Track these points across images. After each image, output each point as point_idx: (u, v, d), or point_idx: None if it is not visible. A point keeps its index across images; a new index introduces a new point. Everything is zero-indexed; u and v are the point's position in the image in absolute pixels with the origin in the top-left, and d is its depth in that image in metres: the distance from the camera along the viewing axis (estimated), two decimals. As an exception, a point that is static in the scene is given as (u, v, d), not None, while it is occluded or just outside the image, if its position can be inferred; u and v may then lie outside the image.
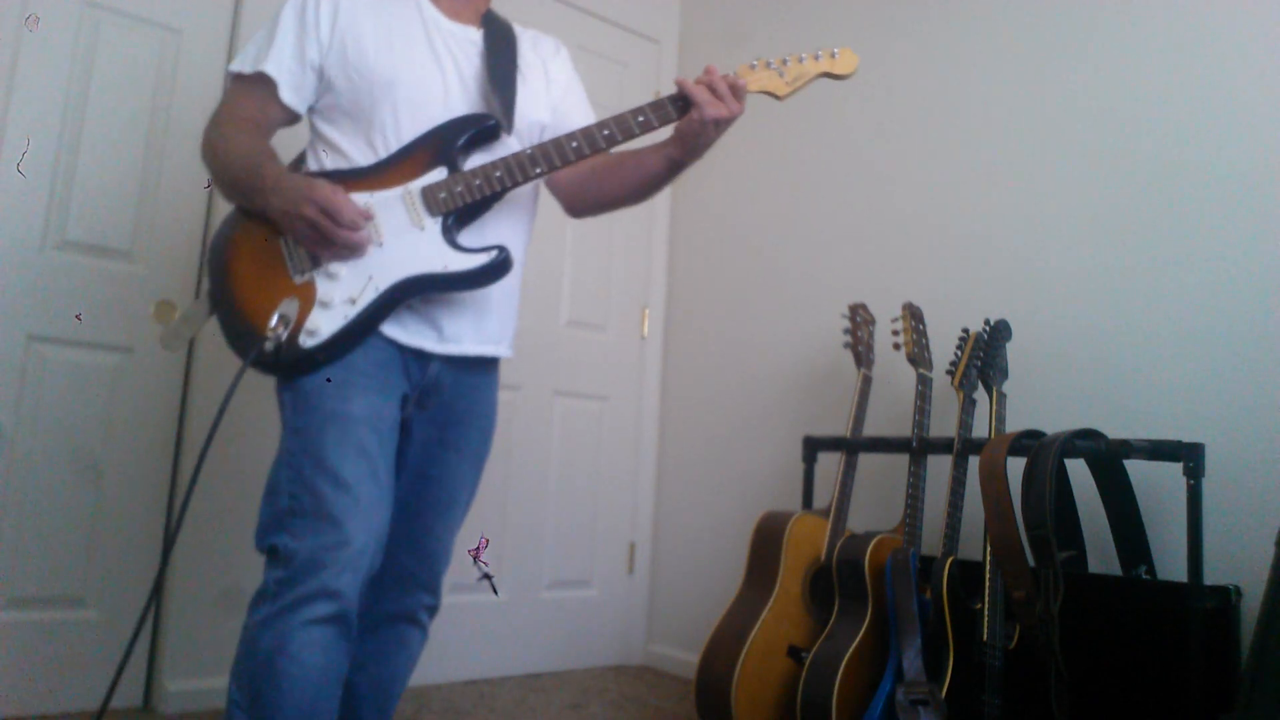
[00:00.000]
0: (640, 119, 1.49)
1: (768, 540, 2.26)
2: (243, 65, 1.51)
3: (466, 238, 1.47)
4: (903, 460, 2.29)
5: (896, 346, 2.33)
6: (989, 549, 1.98)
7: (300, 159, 1.57)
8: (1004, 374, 2.21)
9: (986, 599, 1.95)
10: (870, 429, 2.40)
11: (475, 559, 2.85)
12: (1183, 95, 2.17)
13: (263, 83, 1.48)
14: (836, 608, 2.15)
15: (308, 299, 1.40)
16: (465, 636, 2.86)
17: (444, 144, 1.47)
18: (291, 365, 1.39)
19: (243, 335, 1.41)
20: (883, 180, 2.79)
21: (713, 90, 1.48)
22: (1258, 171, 2.03)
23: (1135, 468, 2.01)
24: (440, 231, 1.44)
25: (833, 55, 1.54)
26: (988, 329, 2.23)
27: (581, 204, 1.74)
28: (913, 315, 2.33)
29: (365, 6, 1.52)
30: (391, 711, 1.59)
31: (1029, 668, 1.88)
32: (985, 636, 1.92)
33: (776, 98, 1.54)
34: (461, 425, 1.57)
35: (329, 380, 1.39)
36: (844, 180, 2.90)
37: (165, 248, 2.43)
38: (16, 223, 2.24)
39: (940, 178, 2.63)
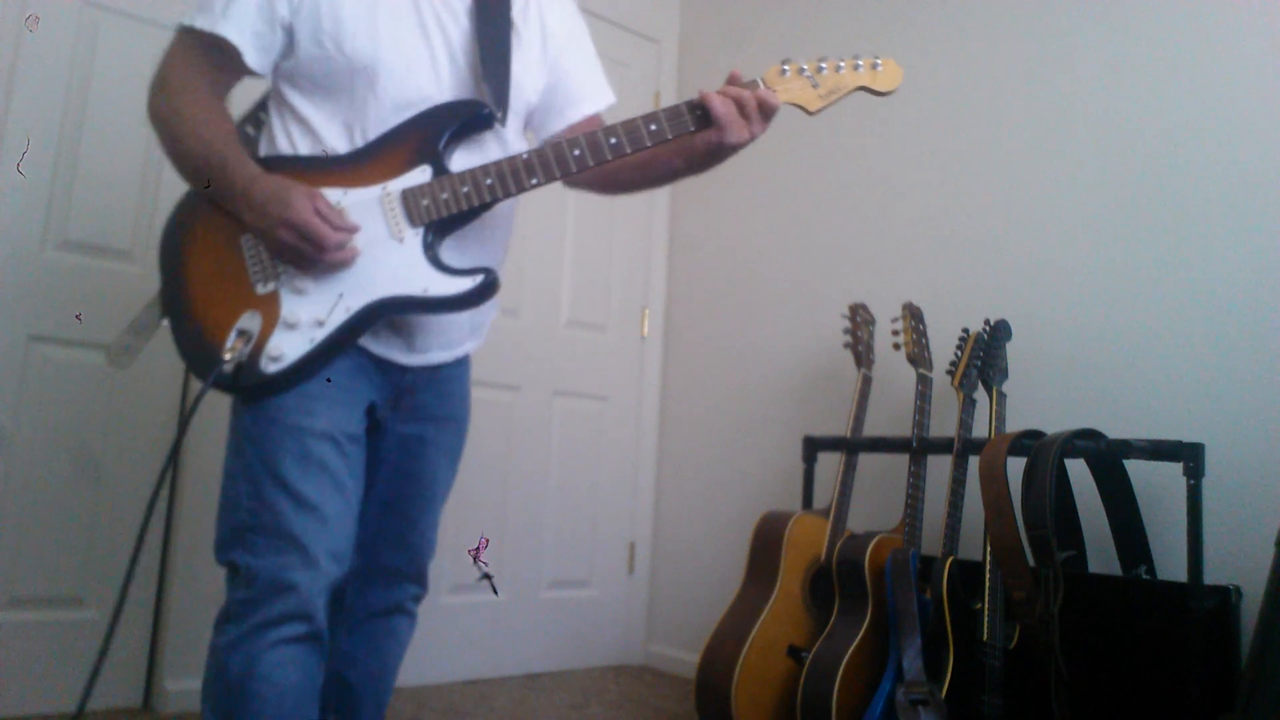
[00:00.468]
0: (653, 128, 1.32)
1: (768, 540, 2.26)
2: (200, 20, 1.31)
3: (447, 251, 1.33)
4: (903, 460, 2.29)
5: (896, 346, 2.33)
6: (989, 549, 1.98)
7: (261, 111, 1.42)
8: (1004, 374, 2.21)
9: (986, 599, 1.95)
10: (870, 429, 2.40)
11: (475, 559, 2.85)
12: (1183, 95, 2.17)
13: (222, 44, 1.31)
14: (836, 608, 2.15)
15: (270, 315, 1.27)
16: (465, 636, 2.86)
17: (429, 137, 1.32)
18: (251, 390, 1.27)
19: (198, 350, 1.29)
20: (883, 180, 2.79)
21: (741, 109, 1.32)
22: (1258, 171, 2.03)
23: (1135, 468, 2.01)
24: (421, 246, 1.30)
25: (874, 66, 1.36)
26: (988, 329, 2.23)
27: (575, 183, 1.57)
28: (913, 315, 2.33)
29: None
30: (388, 699, 1.56)
31: (1029, 668, 1.88)
32: (985, 636, 1.92)
33: (807, 112, 1.36)
34: (437, 420, 1.49)
35: (279, 392, 1.29)
36: (844, 180, 2.90)
37: (165, 248, 2.43)
38: (16, 223, 2.24)
39: (940, 178, 2.63)
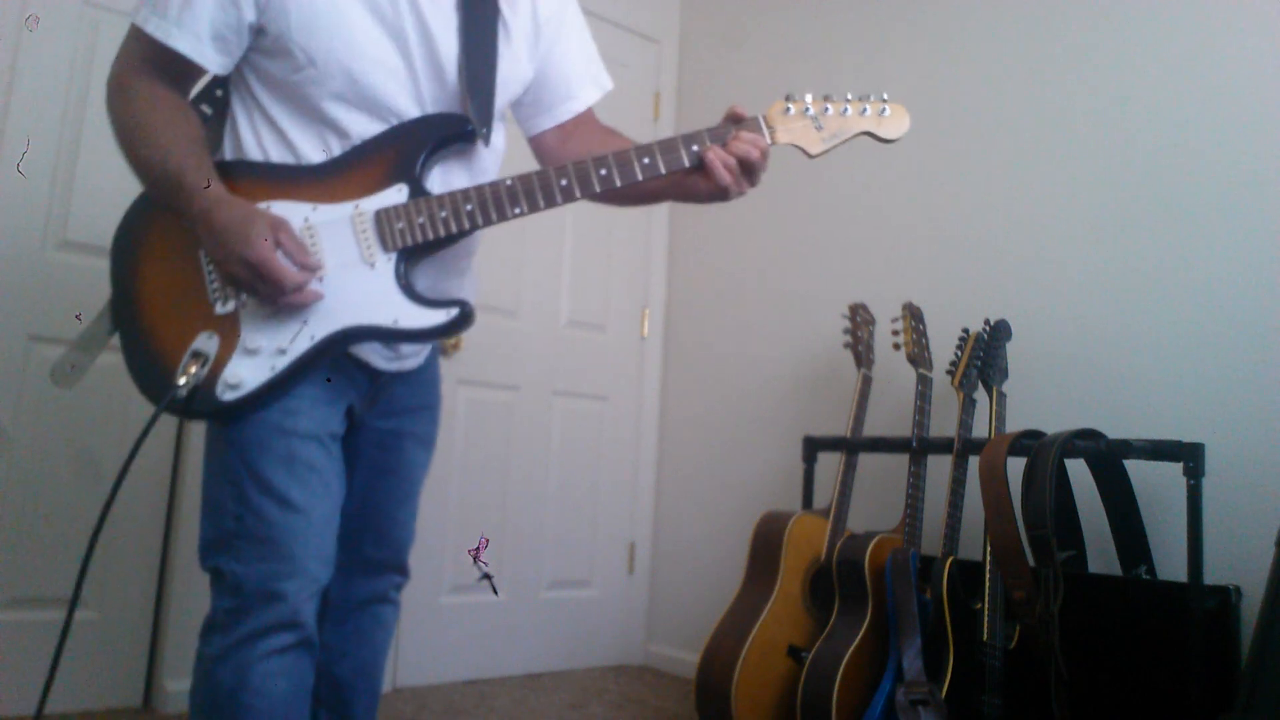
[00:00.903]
0: (645, 161, 1.26)
1: (768, 540, 2.26)
2: (152, 24, 1.21)
3: (419, 276, 1.27)
4: (903, 460, 2.29)
5: (896, 346, 2.33)
6: (989, 549, 1.98)
7: (219, 89, 1.32)
8: (1004, 374, 2.21)
9: (986, 599, 1.95)
10: (870, 429, 2.40)
11: (475, 559, 2.85)
12: (1182, 96, 2.17)
13: (175, 55, 1.22)
14: (836, 608, 2.15)
15: (229, 337, 1.20)
16: (465, 636, 2.86)
17: (407, 153, 1.24)
18: (206, 416, 1.22)
19: (148, 370, 1.22)
20: (883, 180, 2.79)
21: (746, 170, 1.28)
22: (1258, 171, 2.03)
23: (1135, 468, 2.01)
24: (393, 274, 1.22)
25: (882, 112, 1.33)
26: (988, 329, 2.23)
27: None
28: (913, 315, 2.33)
29: None
30: (380, 689, 1.55)
31: (1029, 668, 1.88)
32: (985, 636, 1.92)
33: (807, 155, 1.33)
34: (411, 413, 1.45)
35: (234, 419, 1.24)
36: (844, 180, 2.90)
37: (165, 248, 2.43)
38: (16, 223, 2.25)
39: (941, 178, 2.63)
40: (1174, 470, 1.86)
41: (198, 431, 2.40)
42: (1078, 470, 2.08)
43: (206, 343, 1.20)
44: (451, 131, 1.27)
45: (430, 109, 1.29)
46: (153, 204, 1.27)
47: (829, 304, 2.78)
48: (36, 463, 2.24)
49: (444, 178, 1.30)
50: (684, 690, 2.82)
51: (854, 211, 2.85)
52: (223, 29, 1.21)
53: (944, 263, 2.58)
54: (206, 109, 1.34)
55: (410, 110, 1.27)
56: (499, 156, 1.43)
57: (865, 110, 1.33)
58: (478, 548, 2.86)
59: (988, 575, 1.97)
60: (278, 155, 1.27)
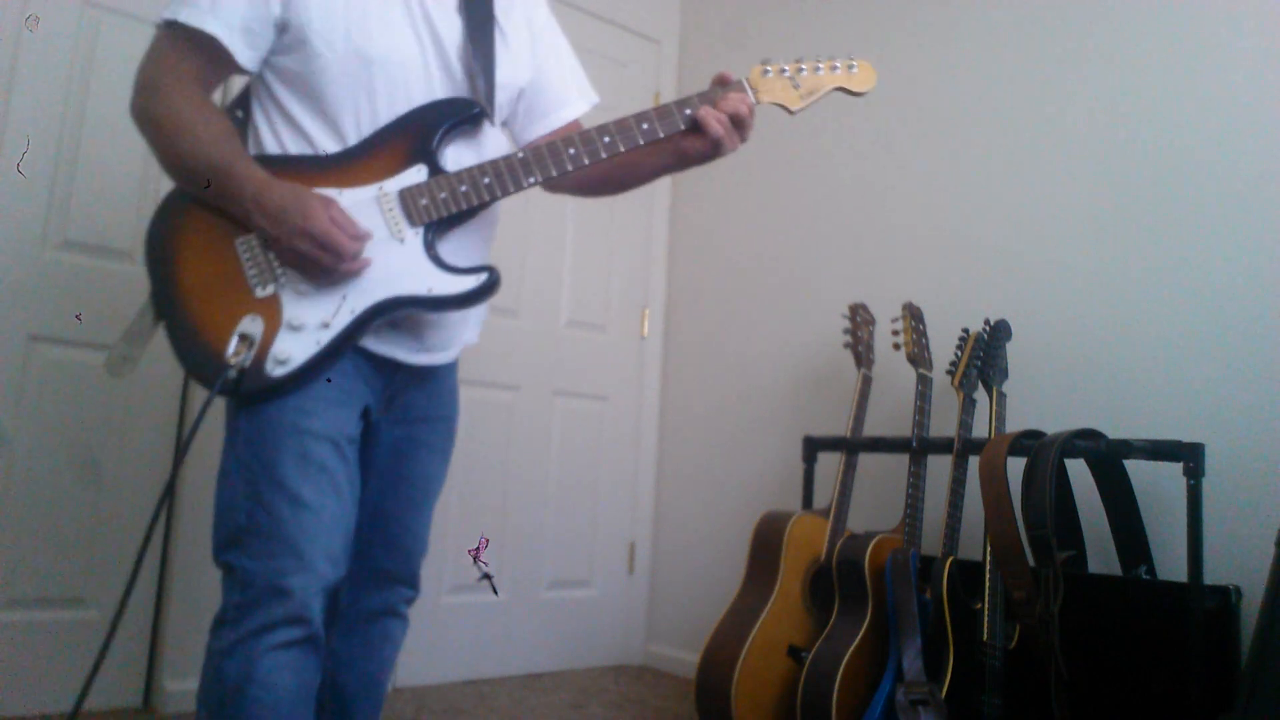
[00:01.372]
0: (645, 127, 1.35)
1: (768, 540, 2.26)
2: (185, 13, 1.26)
3: (446, 249, 1.33)
4: (903, 460, 2.29)
5: (896, 346, 2.33)
6: (989, 549, 1.98)
7: (243, 105, 1.38)
8: (1004, 374, 2.21)
9: (986, 599, 1.95)
10: (870, 429, 2.40)
11: (475, 559, 2.85)
12: (1182, 95, 2.17)
13: (210, 41, 1.26)
14: (836, 608, 2.15)
15: (272, 317, 1.25)
16: (465, 636, 2.86)
17: (423, 135, 1.31)
18: (258, 394, 1.25)
19: (199, 357, 1.25)
20: (883, 180, 2.79)
21: (737, 123, 1.36)
22: (1258, 171, 2.03)
23: (1135, 468, 2.01)
24: (422, 246, 1.29)
25: (850, 69, 1.43)
26: (988, 329, 2.23)
27: (562, 188, 1.60)
28: (913, 315, 2.33)
29: None
30: (382, 702, 1.57)
31: (1029, 668, 1.88)
32: (985, 636, 1.92)
33: (788, 111, 1.42)
34: (428, 421, 1.48)
35: (285, 395, 1.27)
36: (844, 180, 2.90)
37: (165, 248, 2.43)
38: (16, 223, 2.24)
39: (940, 178, 2.63)
40: (1174, 470, 1.86)
41: (197, 433, 2.40)
42: (1078, 470, 2.08)
43: (251, 325, 1.24)
44: (462, 114, 1.34)
45: (441, 95, 1.36)
46: (181, 205, 1.31)
47: (829, 304, 2.78)
48: (36, 463, 2.24)
49: (455, 159, 1.36)
50: (684, 690, 2.82)
51: (854, 212, 2.85)
52: (251, 21, 1.27)
53: (944, 263, 2.58)
54: (240, 113, 1.40)
55: (422, 97, 1.33)
56: (503, 146, 1.48)
57: (836, 68, 1.43)
58: (478, 548, 2.86)
59: (988, 575, 1.97)
60: (295, 149, 1.32)
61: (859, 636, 2.03)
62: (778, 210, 3.09)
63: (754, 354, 3.08)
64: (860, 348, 2.41)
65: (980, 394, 2.20)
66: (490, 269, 1.33)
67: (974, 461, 2.10)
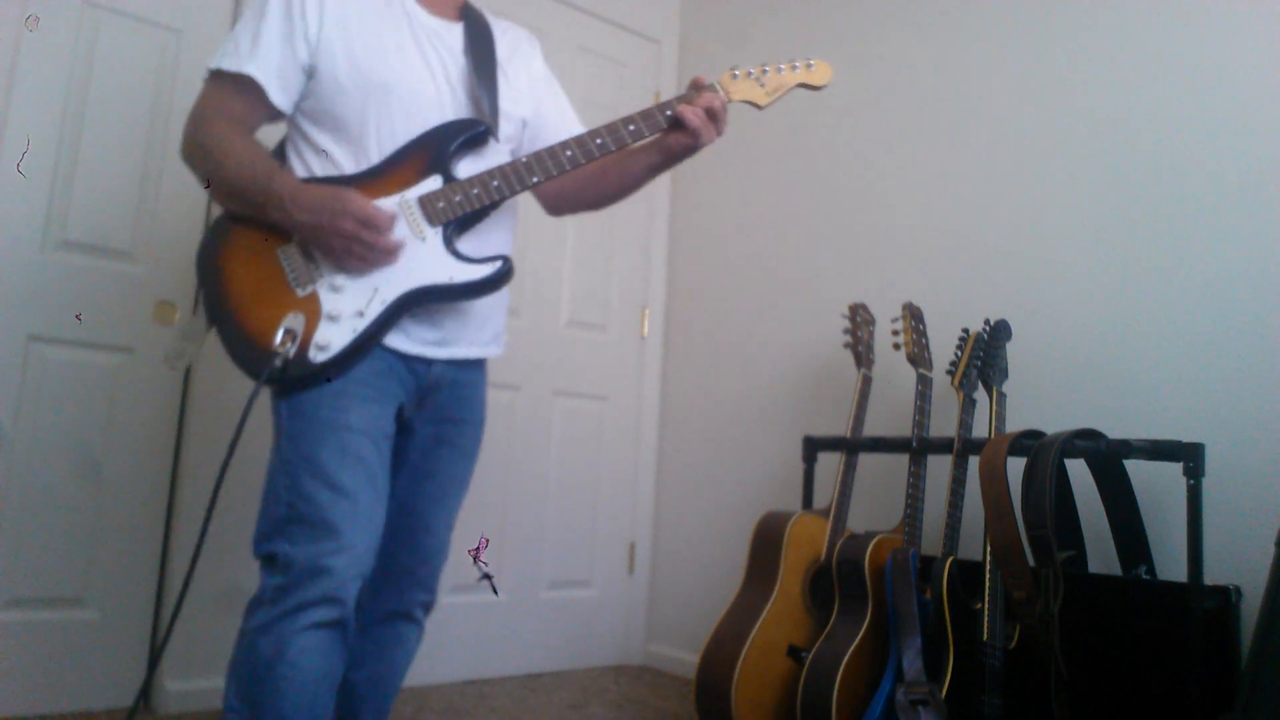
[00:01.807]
0: (631, 128, 1.50)
1: (768, 540, 2.26)
2: (227, 63, 1.43)
3: (464, 245, 1.47)
4: (903, 460, 2.29)
5: (896, 346, 2.33)
6: (989, 549, 1.97)
7: (279, 157, 1.53)
8: (1004, 374, 2.21)
9: (986, 599, 1.95)
10: (870, 429, 2.40)
11: (475, 559, 2.85)
12: (1182, 95, 2.17)
13: (249, 84, 1.43)
14: (836, 608, 2.15)
15: (312, 312, 1.38)
16: (465, 636, 2.86)
17: (437, 151, 1.46)
18: (302, 380, 1.37)
19: (249, 352, 1.37)
20: (883, 180, 2.79)
21: (712, 116, 1.50)
22: (1258, 171, 2.03)
23: (1135, 468, 2.01)
24: (442, 242, 1.44)
25: (809, 66, 1.59)
26: (988, 329, 2.23)
27: (563, 206, 1.77)
28: (913, 315, 2.33)
29: (350, 1, 1.49)
30: (389, 708, 1.60)
31: (1029, 668, 1.88)
32: (985, 636, 1.92)
33: (758, 107, 1.58)
34: (456, 422, 1.58)
35: (329, 380, 1.38)
36: (844, 180, 2.90)
37: (165, 248, 2.43)
38: (16, 223, 2.25)
39: (940, 178, 2.63)
40: (1174, 470, 1.86)
41: (198, 433, 2.40)
42: (1078, 470, 2.08)
43: (294, 321, 1.37)
44: (471, 130, 1.50)
45: (451, 118, 1.52)
46: (228, 226, 1.45)
47: (829, 304, 2.78)
48: (36, 463, 2.24)
49: (466, 172, 1.50)
50: (684, 690, 2.82)
51: (854, 212, 2.85)
52: (284, 66, 1.44)
53: (944, 263, 2.58)
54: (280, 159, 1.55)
55: (435, 120, 1.48)
56: (507, 160, 1.59)
57: (796, 67, 1.59)
58: (478, 548, 2.86)
59: (988, 575, 1.97)
60: (321, 171, 1.46)
61: (859, 636, 2.03)
62: (777, 210, 3.09)
63: (754, 354, 3.08)
64: (860, 348, 2.41)
65: (980, 394, 2.20)
66: (505, 258, 1.47)
67: (974, 461, 2.10)
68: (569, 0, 3.26)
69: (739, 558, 2.41)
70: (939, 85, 2.68)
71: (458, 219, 1.44)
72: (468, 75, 1.54)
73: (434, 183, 1.45)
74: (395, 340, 1.44)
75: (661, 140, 1.55)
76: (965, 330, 2.25)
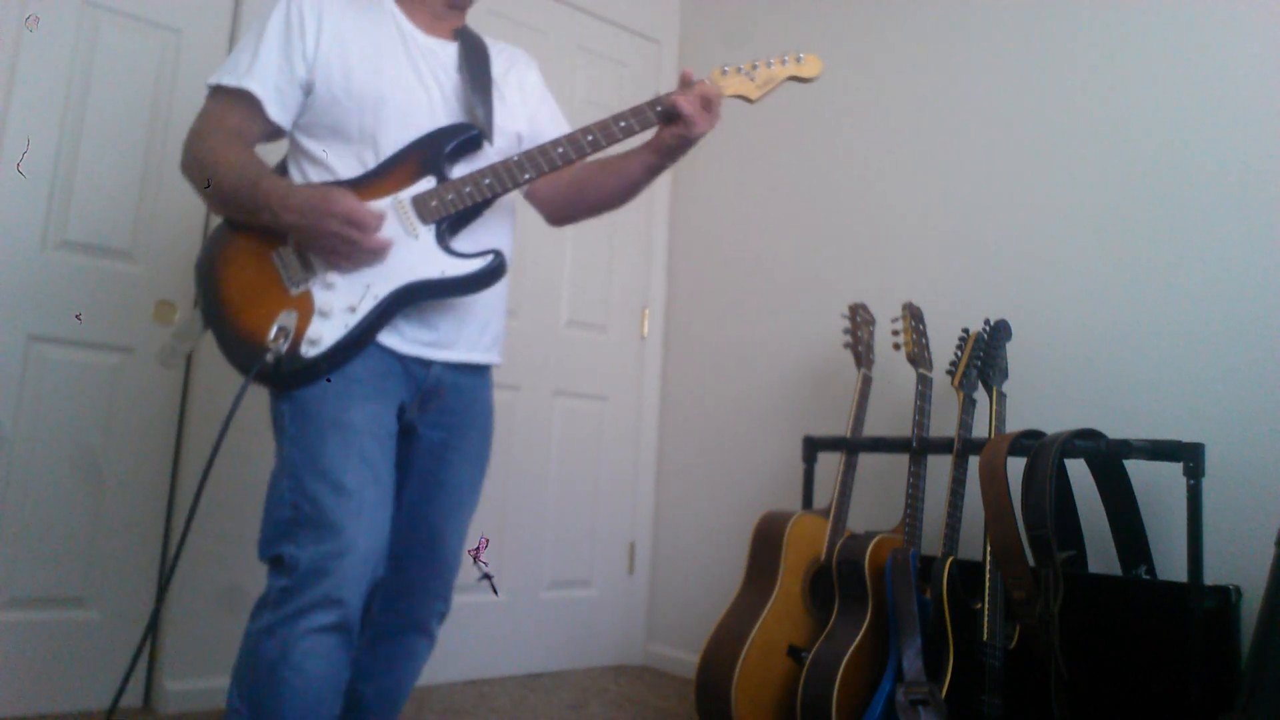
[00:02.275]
0: (622, 124, 1.51)
1: (768, 540, 2.26)
2: (226, 78, 1.47)
3: (458, 244, 1.48)
4: (903, 460, 2.29)
5: (896, 346, 2.33)
6: (989, 549, 1.97)
7: (280, 172, 1.55)
8: (1004, 374, 2.21)
9: (986, 599, 1.95)
10: (870, 429, 2.40)
11: (475, 559, 2.85)
12: (1182, 95, 2.17)
13: (247, 98, 1.46)
14: (836, 608, 2.15)
15: (305, 310, 1.40)
16: (465, 636, 2.85)
17: (431, 154, 1.48)
18: (294, 375, 1.38)
19: (242, 350, 1.39)
20: (883, 180, 2.79)
21: (705, 104, 1.50)
22: (1258, 171, 2.03)
23: (1135, 468, 2.01)
24: (434, 238, 1.45)
25: (799, 59, 1.59)
26: (988, 329, 2.23)
27: (563, 213, 1.76)
28: (913, 315, 2.33)
29: (347, 21, 1.52)
30: (396, 718, 1.60)
31: (1029, 668, 1.88)
32: (985, 636, 1.92)
33: (749, 101, 1.58)
34: (463, 428, 1.58)
35: (328, 380, 1.39)
36: (844, 180, 2.90)
37: (165, 248, 2.43)
38: (16, 223, 2.24)
39: (940, 178, 2.63)
40: (1174, 470, 1.86)
41: (197, 433, 2.40)
42: (1078, 470, 2.08)
43: (287, 318, 1.39)
44: (464, 134, 1.51)
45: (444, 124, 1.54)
46: (226, 235, 1.48)
47: (829, 304, 2.78)
48: (36, 463, 2.24)
49: (460, 175, 1.51)
50: (684, 690, 2.82)
51: (854, 212, 2.85)
52: (282, 82, 1.47)
53: (944, 263, 2.58)
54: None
55: (429, 128, 1.50)
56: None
57: (785, 61, 1.59)
58: (478, 548, 2.86)
59: (988, 575, 1.97)
60: (318, 178, 1.48)
61: (859, 636, 2.03)
62: (777, 210, 3.09)
63: (754, 354, 3.08)
64: (860, 348, 2.41)
65: (980, 394, 2.20)
66: (496, 252, 1.47)
67: (974, 461, 2.10)
68: (569, 0, 3.26)
69: (739, 558, 2.41)
70: (939, 85, 2.67)
71: (451, 216, 1.46)
72: (462, 90, 1.56)
73: (428, 183, 1.46)
74: (391, 341, 1.45)
75: (655, 137, 1.55)
76: (965, 330, 2.25)
